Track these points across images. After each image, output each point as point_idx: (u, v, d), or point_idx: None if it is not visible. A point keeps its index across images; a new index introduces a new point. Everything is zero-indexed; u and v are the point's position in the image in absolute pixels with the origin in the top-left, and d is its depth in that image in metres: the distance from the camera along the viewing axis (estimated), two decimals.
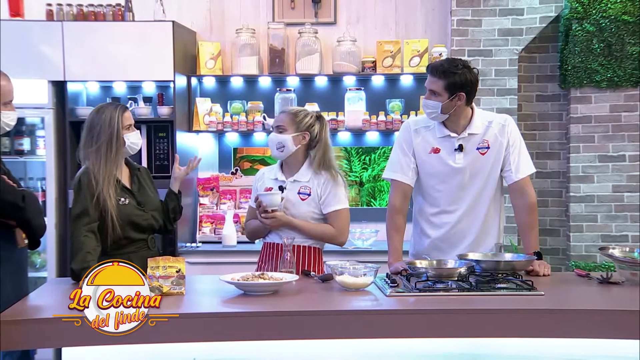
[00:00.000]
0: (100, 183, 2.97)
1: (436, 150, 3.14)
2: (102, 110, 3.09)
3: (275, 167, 3.34)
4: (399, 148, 3.20)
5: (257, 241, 4.75)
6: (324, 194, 3.20)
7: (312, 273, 3.02)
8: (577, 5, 4.69)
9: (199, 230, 4.87)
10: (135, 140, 3.14)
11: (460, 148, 3.11)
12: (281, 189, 3.22)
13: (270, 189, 3.24)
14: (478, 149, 3.12)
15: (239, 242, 4.71)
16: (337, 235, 3.21)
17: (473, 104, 3.16)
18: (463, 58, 3.65)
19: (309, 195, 3.21)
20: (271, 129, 3.28)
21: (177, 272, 2.56)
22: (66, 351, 2.42)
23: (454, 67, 3.03)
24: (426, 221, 3.20)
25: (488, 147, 3.12)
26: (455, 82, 3.01)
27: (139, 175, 3.21)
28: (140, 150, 4.58)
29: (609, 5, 4.66)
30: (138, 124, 4.61)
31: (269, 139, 3.26)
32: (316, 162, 3.22)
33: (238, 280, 2.60)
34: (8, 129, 2.96)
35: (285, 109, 3.34)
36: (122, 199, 3.06)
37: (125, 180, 3.13)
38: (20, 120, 4.45)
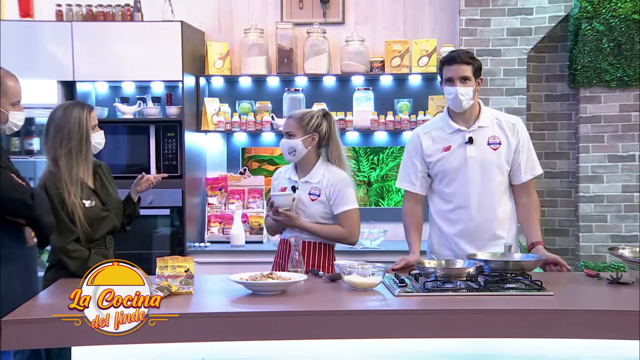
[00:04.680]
0: (69, 187, 2.98)
1: (448, 148, 3.17)
2: (69, 109, 3.07)
3: (290, 167, 3.42)
4: (407, 158, 3.28)
5: (265, 241, 4.79)
6: (332, 195, 3.26)
7: (320, 273, 3.02)
8: (586, 4, 4.67)
9: (208, 230, 4.87)
10: (99, 140, 3.15)
11: (471, 140, 3.14)
12: (294, 189, 3.31)
13: (285, 189, 3.32)
14: (490, 144, 3.16)
15: (247, 242, 4.72)
16: (347, 236, 3.29)
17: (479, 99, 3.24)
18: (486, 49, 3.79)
19: (319, 196, 3.27)
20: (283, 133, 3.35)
21: (185, 271, 2.56)
22: (76, 351, 2.43)
23: (471, 53, 3.19)
24: (443, 219, 3.22)
25: (500, 144, 3.16)
26: (479, 66, 3.14)
27: (100, 172, 3.21)
28: (149, 150, 4.64)
29: (618, 5, 4.63)
30: (147, 124, 4.68)
31: (280, 145, 3.35)
32: (329, 158, 3.35)
33: (246, 280, 2.60)
34: (16, 129, 2.96)
35: (291, 113, 3.39)
36: (89, 201, 3.06)
37: (89, 180, 3.14)
38: (30, 121, 4.48)
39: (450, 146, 3.16)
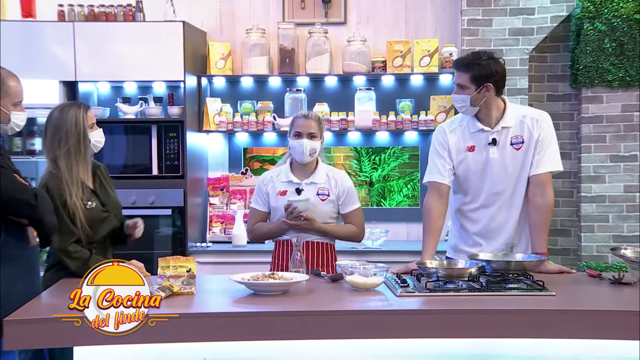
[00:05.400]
0: (70, 187, 2.97)
1: (471, 148, 3.14)
2: (65, 110, 3.07)
3: (285, 170, 3.36)
4: (434, 152, 3.21)
5: (267, 241, 4.78)
6: (342, 194, 3.31)
7: (322, 273, 3.02)
8: (588, 4, 4.66)
9: (209, 230, 4.88)
10: (98, 138, 3.14)
11: (494, 142, 3.12)
12: (298, 191, 3.28)
13: (285, 192, 3.29)
14: (513, 144, 3.12)
15: (248, 242, 4.72)
16: (359, 232, 3.37)
17: (505, 98, 3.18)
18: (488, 49, 3.75)
19: (328, 196, 3.29)
20: (294, 133, 3.29)
21: (187, 271, 2.56)
22: (78, 350, 2.44)
23: (478, 59, 3.07)
24: (464, 217, 3.21)
25: (522, 142, 3.12)
26: (481, 73, 3.04)
27: (99, 173, 3.20)
28: (150, 150, 4.64)
29: (620, 5, 4.63)
30: (148, 124, 4.68)
31: (300, 145, 3.26)
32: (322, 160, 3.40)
33: (248, 280, 2.60)
34: (18, 130, 2.97)
35: (305, 113, 3.35)
36: (90, 202, 3.06)
37: (89, 180, 3.13)
38: (32, 121, 4.48)
39: (474, 146, 3.14)
